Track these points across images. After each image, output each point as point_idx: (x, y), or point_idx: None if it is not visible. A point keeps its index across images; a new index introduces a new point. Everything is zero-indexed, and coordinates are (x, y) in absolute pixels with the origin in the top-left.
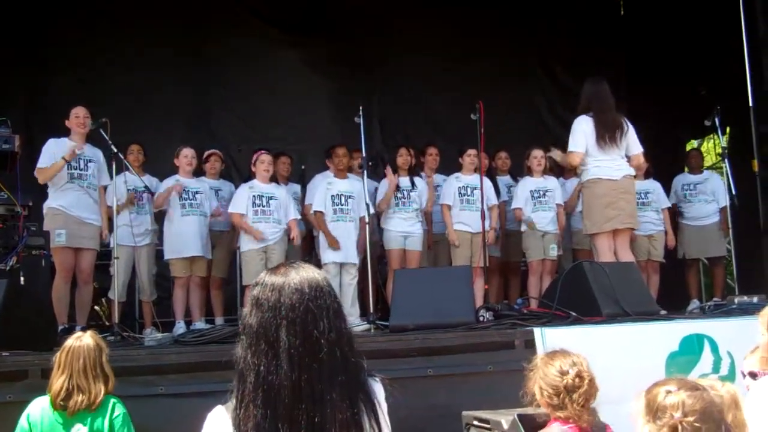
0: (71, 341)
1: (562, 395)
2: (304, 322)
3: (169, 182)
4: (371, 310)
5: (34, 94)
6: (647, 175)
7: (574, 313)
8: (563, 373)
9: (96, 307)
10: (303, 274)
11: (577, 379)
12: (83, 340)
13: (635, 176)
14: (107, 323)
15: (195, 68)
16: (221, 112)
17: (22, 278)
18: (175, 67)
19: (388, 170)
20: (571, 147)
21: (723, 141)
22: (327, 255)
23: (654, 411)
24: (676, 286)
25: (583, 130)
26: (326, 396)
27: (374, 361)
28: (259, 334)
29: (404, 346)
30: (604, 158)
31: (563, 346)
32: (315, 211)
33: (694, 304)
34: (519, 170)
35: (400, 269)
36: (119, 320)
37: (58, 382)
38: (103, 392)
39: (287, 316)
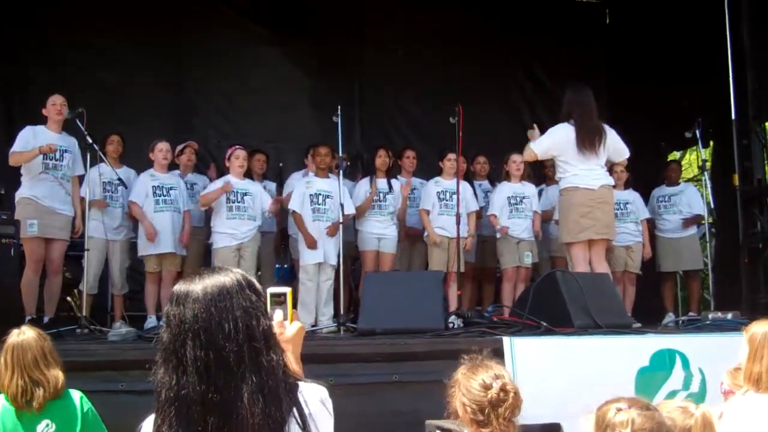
0: (12, 339)
1: (486, 411)
2: (207, 331)
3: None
4: (342, 312)
5: (15, 85)
6: (627, 186)
7: (545, 323)
8: (487, 388)
9: (68, 298)
10: (207, 280)
11: (501, 393)
12: (25, 334)
13: (615, 186)
14: (78, 315)
15: (175, 62)
16: (201, 107)
17: None
18: (155, 60)
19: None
20: (533, 144)
21: (703, 153)
22: (305, 256)
23: (603, 428)
24: (652, 298)
25: (556, 138)
26: (236, 404)
27: (339, 365)
28: (168, 350)
29: (370, 351)
30: (583, 167)
31: (532, 356)
32: (292, 212)
33: (669, 317)
34: (499, 175)
35: (371, 272)
36: (91, 313)
37: (12, 383)
38: (61, 378)
39: (191, 329)
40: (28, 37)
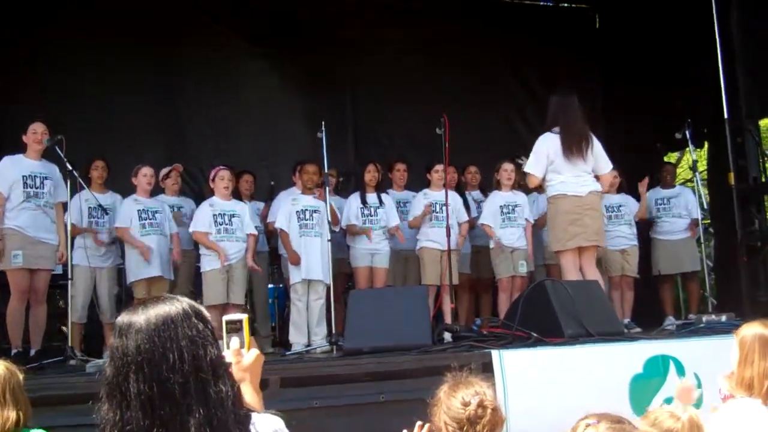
0: None
1: (465, 428)
2: (151, 362)
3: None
4: (333, 331)
5: (3, 110)
6: (620, 189)
7: (535, 334)
8: (466, 405)
9: (63, 328)
10: (150, 311)
11: (479, 409)
12: None
13: (607, 191)
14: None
15: (164, 83)
16: (193, 126)
17: None
18: (144, 81)
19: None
20: (528, 168)
21: (693, 154)
22: (294, 274)
23: None
24: (651, 302)
25: (544, 150)
26: None
27: (325, 387)
28: (112, 385)
29: (356, 371)
30: (570, 174)
31: (522, 369)
32: (279, 230)
33: (670, 320)
34: (490, 185)
35: (355, 290)
36: (85, 342)
37: None
38: (12, 420)
39: (134, 361)
40: (14, 57)
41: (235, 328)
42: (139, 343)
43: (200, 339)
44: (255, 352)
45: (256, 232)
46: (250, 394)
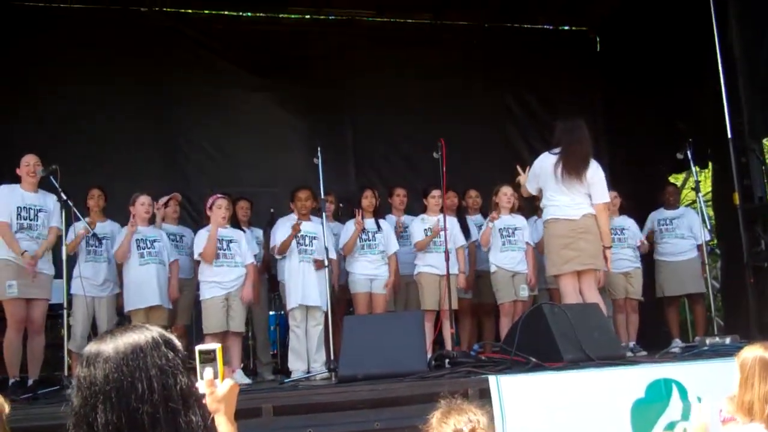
0: None
1: None
2: (119, 392)
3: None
4: (332, 357)
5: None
6: (621, 212)
7: (533, 359)
8: None
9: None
10: (119, 340)
11: None
12: None
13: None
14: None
15: (164, 111)
16: (192, 154)
17: None
18: (143, 110)
19: (359, 214)
20: (523, 180)
21: (696, 175)
22: (290, 300)
23: None
24: (658, 324)
25: (535, 170)
26: None
27: (319, 415)
28: (79, 415)
29: (351, 398)
30: (563, 197)
31: (520, 395)
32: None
33: (676, 343)
34: (490, 208)
35: (349, 316)
36: None
37: None
38: None
39: (102, 390)
40: (11, 89)
41: (208, 358)
42: (107, 372)
43: (170, 368)
44: (229, 382)
45: (254, 262)
46: (224, 425)
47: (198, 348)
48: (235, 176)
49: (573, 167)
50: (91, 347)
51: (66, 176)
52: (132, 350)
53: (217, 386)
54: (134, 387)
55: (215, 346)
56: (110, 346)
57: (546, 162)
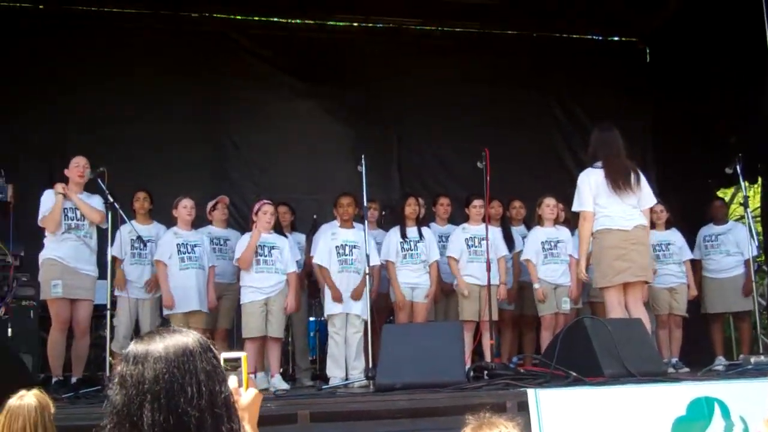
0: (12, 401)
1: None
2: (168, 393)
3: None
4: (370, 365)
5: (54, 146)
6: (668, 225)
7: (573, 373)
8: None
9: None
10: (168, 340)
11: None
12: (24, 399)
13: (655, 226)
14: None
15: (211, 115)
16: (238, 161)
17: (9, 330)
18: (190, 114)
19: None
20: (576, 206)
21: (744, 190)
22: (330, 308)
23: None
24: (702, 341)
25: (587, 184)
26: None
27: (357, 423)
28: (122, 414)
29: (389, 407)
30: (615, 207)
31: (559, 409)
32: (318, 266)
33: (720, 360)
34: (533, 220)
35: (388, 324)
36: None
37: None
38: None
39: (151, 390)
40: (64, 97)
41: (234, 366)
42: (158, 372)
43: (215, 375)
44: (253, 391)
45: (297, 270)
46: None
47: (223, 356)
48: (280, 182)
49: (624, 180)
50: (138, 346)
51: (112, 179)
52: (183, 353)
53: (241, 395)
54: (184, 390)
55: (240, 354)
56: (160, 346)
57: (595, 177)
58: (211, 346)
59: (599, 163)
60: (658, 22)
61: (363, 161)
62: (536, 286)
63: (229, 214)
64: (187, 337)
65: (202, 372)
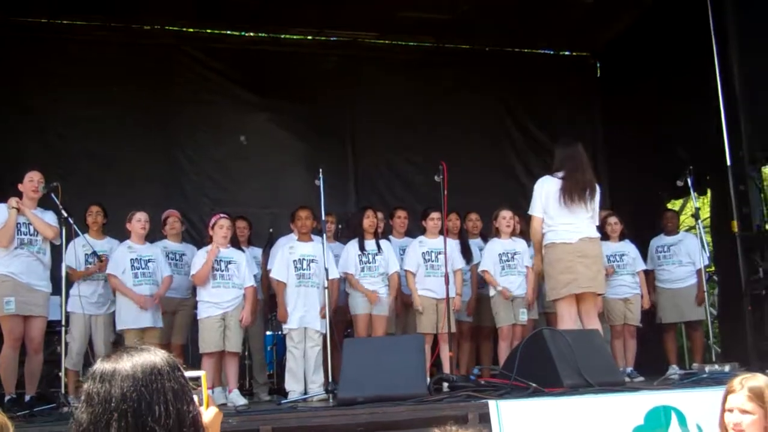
0: None
1: None
2: (136, 412)
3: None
4: (330, 380)
5: (3, 157)
6: (622, 237)
7: (534, 384)
8: None
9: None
10: (136, 359)
11: None
12: None
13: (608, 238)
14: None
15: (164, 130)
16: (192, 175)
17: None
18: (144, 127)
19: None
20: (531, 210)
21: (695, 202)
22: (289, 321)
23: None
24: (655, 351)
25: (541, 192)
26: None
27: None
28: None
29: (350, 421)
30: (562, 220)
31: (520, 420)
32: (275, 281)
33: (673, 369)
34: (490, 232)
35: (349, 338)
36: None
37: None
38: None
39: (118, 408)
40: (14, 108)
41: (194, 385)
42: (125, 390)
43: (183, 394)
44: (213, 409)
45: (254, 284)
46: None
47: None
48: (235, 196)
49: (579, 194)
50: (105, 364)
51: (65, 194)
52: (150, 371)
53: (202, 414)
54: (151, 409)
55: (200, 373)
56: (128, 365)
57: (549, 186)
58: (179, 366)
59: (560, 174)
60: (609, 38)
61: (320, 174)
62: (498, 288)
63: (183, 227)
64: (155, 356)
65: (170, 391)
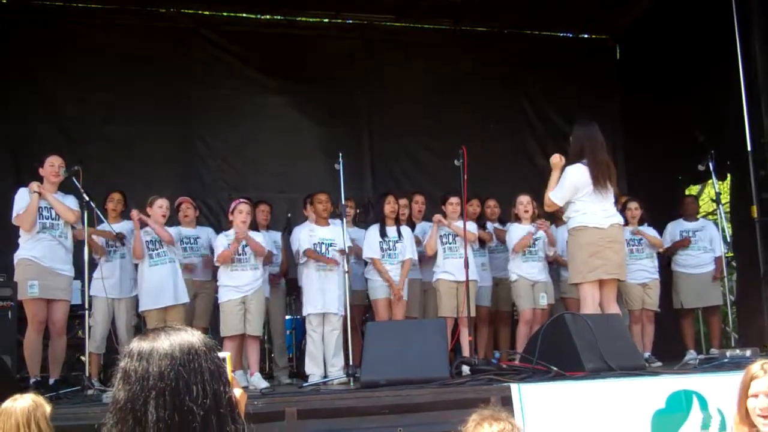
0: (7, 403)
1: None
2: (174, 390)
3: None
4: (350, 363)
5: (21, 141)
6: (641, 222)
7: (555, 368)
8: None
9: (83, 358)
10: (174, 338)
11: None
12: (17, 402)
13: (628, 223)
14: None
15: (182, 113)
16: (210, 160)
17: None
18: (161, 112)
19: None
20: (553, 195)
21: (717, 187)
22: (306, 307)
23: None
24: (672, 335)
25: (574, 182)
26: None
27: (342, 419)
28: (125, 409)
29: (374, 403)
30: (594, 206)
31: (542, 404)
32: (305, 250)
33: (691, 354)
34: (508, 217)
35: (372, 322)
36: (102, 372)
37: None
38: None
39: (156, 386)
40: (32, 92)
41: None
42: (164, 369)
43: (219, 375)
44: (239, 391)
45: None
46: None
47: None
48: (252, 181)
49: (603, 176)
50: (142, 343)
51: (85, 179)
52: (188, 351)
53: None
54: (189, 388)
55: (225, 354)
56: (165, 344)
57: (579, 177)
58: (215, 347)
59: (584, 160)
60: (628, 21)
61: (340, 159)
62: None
63: (197, 213)
64: (193, 336)
65: (207, 371)
